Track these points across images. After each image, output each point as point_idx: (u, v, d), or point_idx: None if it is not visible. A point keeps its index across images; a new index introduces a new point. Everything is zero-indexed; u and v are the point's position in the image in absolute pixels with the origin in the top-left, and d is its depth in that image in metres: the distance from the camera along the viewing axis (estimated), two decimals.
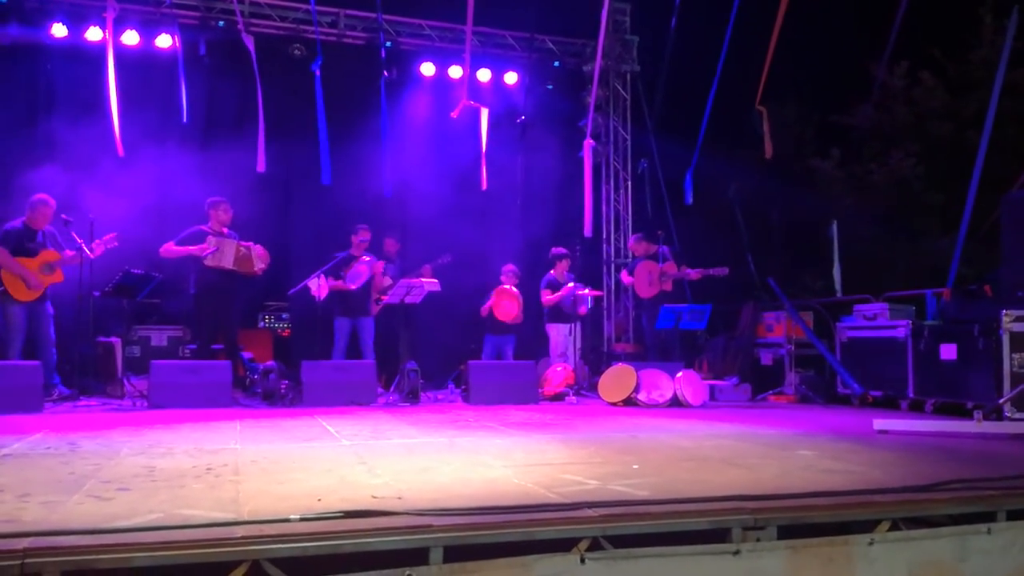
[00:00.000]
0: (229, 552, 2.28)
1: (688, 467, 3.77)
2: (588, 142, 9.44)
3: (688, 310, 8.04)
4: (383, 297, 8.40)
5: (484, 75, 10.06)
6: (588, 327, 9.74)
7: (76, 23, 8.65)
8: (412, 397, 7.47)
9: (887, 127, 12.65)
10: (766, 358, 8.62)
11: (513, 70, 10.30)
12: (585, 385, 8.54)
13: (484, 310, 8.90)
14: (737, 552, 2.73)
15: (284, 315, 9.77)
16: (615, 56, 10.52)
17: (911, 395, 7.16)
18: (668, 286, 8.74)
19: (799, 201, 11.73)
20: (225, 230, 7.83)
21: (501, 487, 3.23)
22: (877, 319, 7.69)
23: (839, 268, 9.90)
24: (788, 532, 2.83)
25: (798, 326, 8.14)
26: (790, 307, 8.14)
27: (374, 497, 2.91)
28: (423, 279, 8.21)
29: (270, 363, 7.63)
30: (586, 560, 2.57)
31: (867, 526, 2.92)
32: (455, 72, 9.86)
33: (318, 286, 8.04)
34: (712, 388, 7.79)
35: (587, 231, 9.26)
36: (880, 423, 5.33)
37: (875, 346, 7.62)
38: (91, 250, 7.07)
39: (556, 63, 10.58)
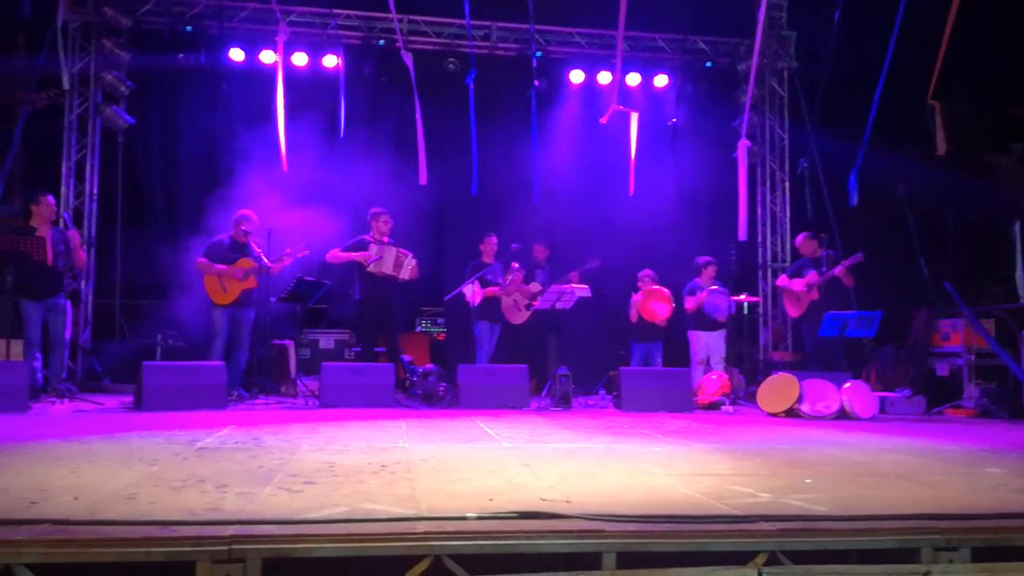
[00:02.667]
0: (413, 546, 2.37)
1: (865, 483, 3.58)
2: (743, 142, 9.16)
3: (855, 317, 7.61)
4: (534, 303, 8.51)
5: (633, 79, 10.00)
6: (744, 335, 9.45)
7: (251, 47, 9.35)
8: (564, 402, 7.50)
9: None
10: (942, 369, 8.04)
11: (663, 72, 10.17)
12: (741, 394, 8.28)
13: (633, 316, 8.82)
14: (927, 574, 2.57)
15: (440, 320, 10.09)
16: (771, 53, 10.18)
17: None
18: (815, 295, 8.28)
19: (975, 200, 10.88)
20: (386, 239, 8.18)
21: (667, 495, 3.19)
22: None
23: (1023, 272, 9.10)
24: (983, 555, 2.64)
25: (979, 334, 7.54)
26: (970, 314, 7.55)
27: (543, 500, 2.95)
28: (574, 285, 8.25)
29: (429, 366, 7.92)
30: (764, 574, 2.49)
31: None
32: (604, 78, 9.87)
33: (472, 292, 8.26)
34: (882, 400, 7.35)
35: (742, 234, 8.99)
36: None
37: None
38: (276, 260, 7.55)
39: (708, 64, 10.37)
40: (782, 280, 8.79)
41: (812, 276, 8.25)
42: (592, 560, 2.47)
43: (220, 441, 4.62)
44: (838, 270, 8.01)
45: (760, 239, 10.33)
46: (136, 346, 8.73)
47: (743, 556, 2.52)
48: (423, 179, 8.65)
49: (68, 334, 7.41)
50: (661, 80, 10.15)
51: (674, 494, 3.22)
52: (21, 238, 6.80)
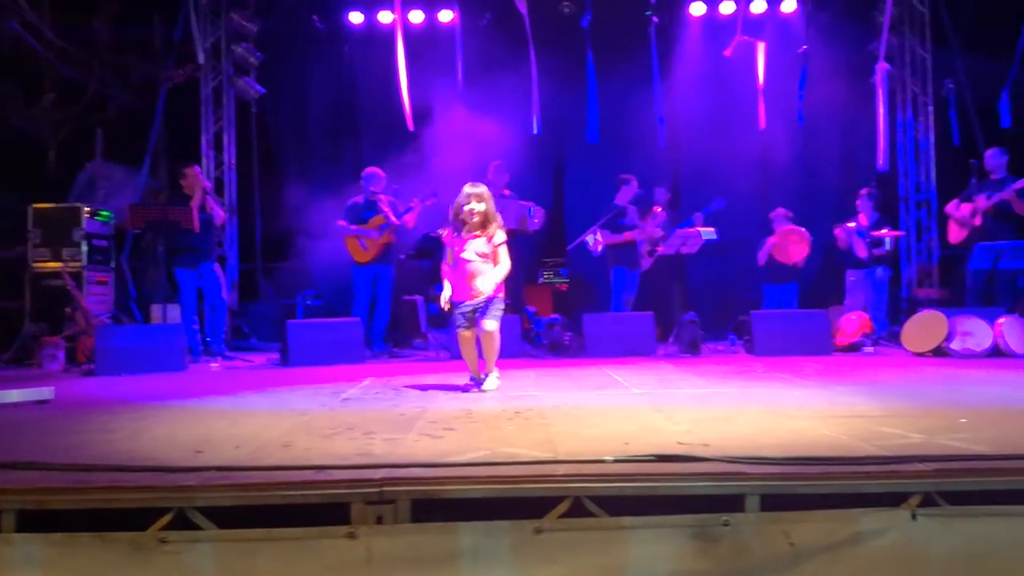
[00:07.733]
0: (554, 488, 2.42)
1: None
2: (882, 65, 8.51)
3: (1010, 248, 7.04)
4: (658, 248, 8.35)
5: (759, 7, 9.47)
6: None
7: (369, 8, 9.49)
8: (692, 349, 7.38)
9: None
10: None
11: None
12: (883, 334, 7.89)
13: (762, 258, 8.49)
14: None
15: (563, 271, 10.09)
16: None
17: None
18: (978, 220, 7.65)
19: None
20: (506, 192, 8.20)
21: (810, 437, 3.11)
22: None
23: None
24: None
25: None
26: None
27: (680, 443, 2.93)
28: (699, 228, 8.03)
29: (554, 316, 7.97)
30: (918, 516, 2.39)
31: None
32: (727, 8, 9.42)
33: (595, 241, 8.19)
34: None
35: (881, 164, 8.44)
36: None
37: None
38: (405, 212, 7.73)
39: None
40: (950, 207, 8.10)
41: (981, 200, 7.57)
42: (734, 503, 2.44)
43: (362, 392, 4.84)
44: (1009, 195, 7.33)
45: (902, 169, 9.66)
46: (278, 306, 9.25)
47: (895, 498, 2.43)
48: (535, 128, 8.60)
49: (226, 297, 7.89)
50: (789, 5, 9.57)
51: (818, 436, 3.13)
52: (169, 208, 7.27)
